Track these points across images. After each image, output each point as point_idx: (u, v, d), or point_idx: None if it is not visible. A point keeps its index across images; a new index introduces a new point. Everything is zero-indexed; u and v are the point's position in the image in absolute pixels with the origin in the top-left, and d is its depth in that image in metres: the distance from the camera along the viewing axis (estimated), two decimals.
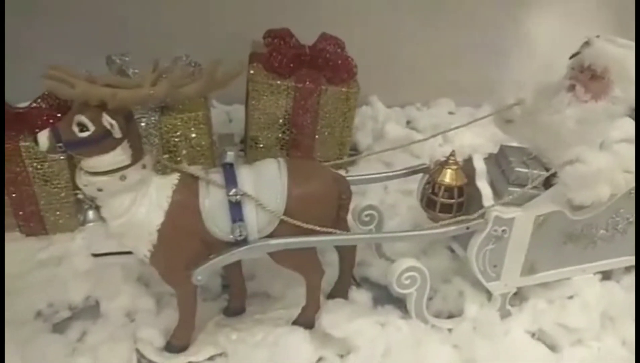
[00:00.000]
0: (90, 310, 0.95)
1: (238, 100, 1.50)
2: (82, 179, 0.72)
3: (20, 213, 1.09)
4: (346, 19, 1.47)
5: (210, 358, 0.84)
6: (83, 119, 0.67)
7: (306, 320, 0.89)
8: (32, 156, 1.04)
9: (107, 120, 0.66)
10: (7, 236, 1.09)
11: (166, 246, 0.75)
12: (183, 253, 0.77)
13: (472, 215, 0.84)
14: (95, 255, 1.06)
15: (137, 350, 0.85)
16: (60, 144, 0.69)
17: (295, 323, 0.88)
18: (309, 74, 1.22)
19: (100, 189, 0.71)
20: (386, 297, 0.95)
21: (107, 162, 0.70)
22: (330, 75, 1.23)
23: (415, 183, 1.18)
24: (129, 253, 1.01)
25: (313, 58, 1.24)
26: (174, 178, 0.76)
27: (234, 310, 0.93)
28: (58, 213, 1.10)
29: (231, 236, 0.76)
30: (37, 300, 0.96)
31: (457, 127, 1.10)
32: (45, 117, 1.05)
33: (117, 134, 0.67)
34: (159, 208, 0.74)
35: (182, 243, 0.76)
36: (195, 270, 0.77)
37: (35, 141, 0.69)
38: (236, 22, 1.40)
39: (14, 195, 1.07)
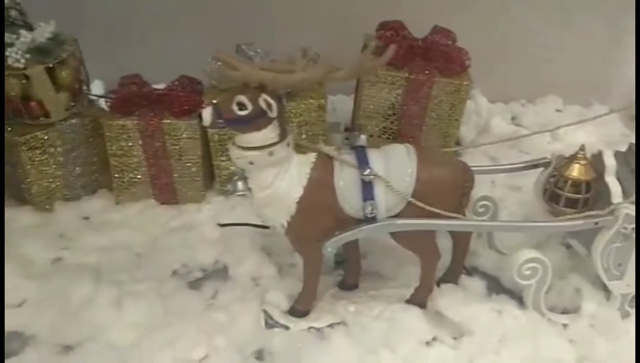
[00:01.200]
0: (220, 273, 1.05)
1: (342, 91, 1.57)
2: (235, 153, 0.81)
3: (157, 183, 1.23)
4: (455, 12, 1.47)
5: (331, 325, 0.91)
6: (243, 99, 0.75)
7: (419, 301, 0.92)
8: (171, 133, 1.17)
9: (267, 101, 0.74)
10: (144, 203, 1.24)
11: (302, 219, 0.82)
12: (316, 226, 0.84)
13: (601, 211, 0.83)
14: (221, 225, 1.17)
15: (265, 311, 0.93)
16: (221, 120, 0.77)
17: (408, 302, 0.93)
18: (422, 65, 1.25)
19: (251, 163, 0.79)
20: (498, 287, 0.97)
21: (259, 138, 0.78)
22: (443, 67, 1.25)
23: (522, 179, 1.17)
24: (251, 225, 1.13)
25: (425, 50, 1.27)
26: (312, 156, 0.83)
27: (349, 285, 0.99)
28: (188, 185, 1.23)
29: (361, 214, 0.82)
30: (172, 261, 1.08)
31: (577, 122, 1.08)
32: (183, 99, 1.18)
33: (274, 113, 0.75)
34: (298, 184, 0.81)
35: (317, 216, 0.83)
36: (326, 242, 0.84)
37: (200, 116, 0.78)
38: (349, 15, 1.46)
39: (153, 168, 1.21)
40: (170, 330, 0.91)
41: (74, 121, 1.18)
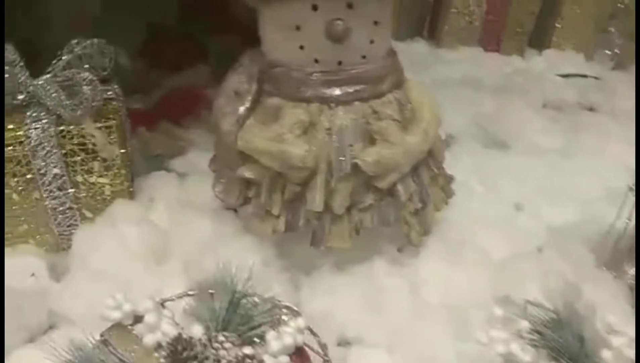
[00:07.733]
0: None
1: None
2: None
3: (488, 29, 1.21)
4: None
5: None
6: None
7: None
8: None
9: None
10: (470, 49, 1.21)
11: None
12: None
13: None
14: (562, 76, 1.15)
15: None
16: None
17: None
18: None
19: None
20: None
21: None
22: None
23: None
24: (591, 76, 1.13)
25: None
26: None
27: None
28: (516, 36, 1.21)
29: None
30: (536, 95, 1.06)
31: None
32: None
33: None
34: None
35: None
36: None
37: None
38: None
39: (489, 14, 1.19)
40: None
41: None
